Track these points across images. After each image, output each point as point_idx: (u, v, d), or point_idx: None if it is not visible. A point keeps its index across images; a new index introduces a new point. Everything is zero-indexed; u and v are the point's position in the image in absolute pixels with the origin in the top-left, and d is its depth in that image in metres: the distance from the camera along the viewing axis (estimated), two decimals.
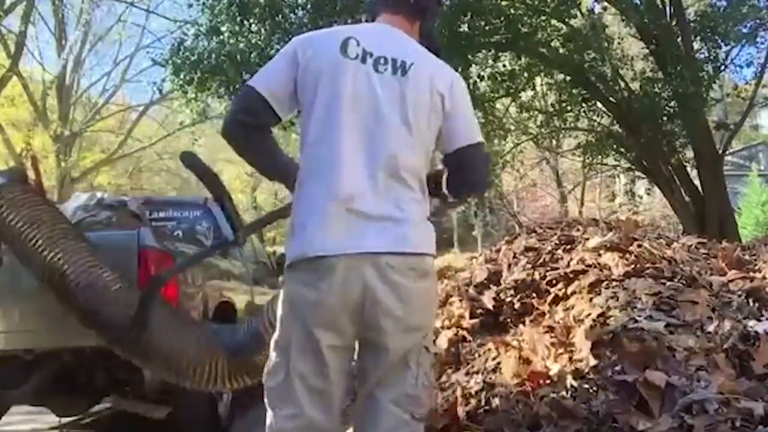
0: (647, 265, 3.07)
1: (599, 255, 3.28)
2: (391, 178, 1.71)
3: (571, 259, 3.39)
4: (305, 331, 1.70)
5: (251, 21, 8.58)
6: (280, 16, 8.57)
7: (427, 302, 1.77)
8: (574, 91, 10.54)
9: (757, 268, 3.15)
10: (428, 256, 1.76)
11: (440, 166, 1.99)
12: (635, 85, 9.89)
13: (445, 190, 1.93)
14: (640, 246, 3.29)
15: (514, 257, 3.69)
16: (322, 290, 1.66)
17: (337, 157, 1.69)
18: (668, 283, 2.88)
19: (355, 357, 1.81)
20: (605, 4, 10.02)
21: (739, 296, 2.72)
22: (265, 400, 1.77)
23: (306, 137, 1.76)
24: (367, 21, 1.96)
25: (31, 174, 3.39)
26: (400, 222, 1.70)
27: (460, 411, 2.54)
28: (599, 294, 2.94)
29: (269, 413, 1.75)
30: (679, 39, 9.11)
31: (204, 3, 9.05)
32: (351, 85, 1.71)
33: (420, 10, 1.90)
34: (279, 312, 1.79)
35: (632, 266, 3.09)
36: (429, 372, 1.78)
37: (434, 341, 3.24)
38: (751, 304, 2.66)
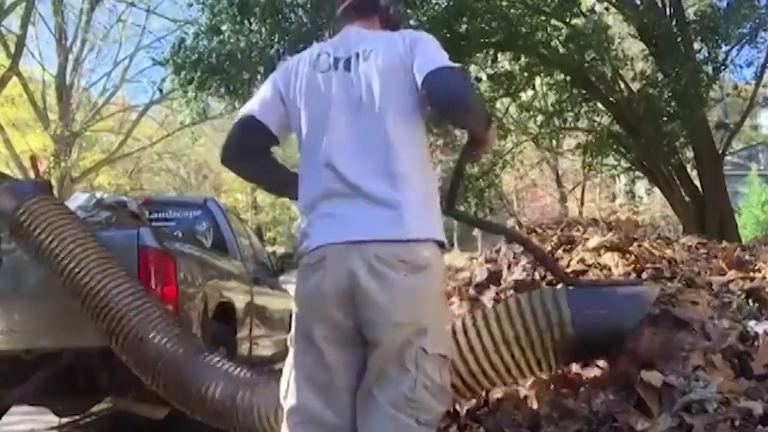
0: (647, 265, 3.07)
1: (599, 255, 3.28)
2: (387, 166, 1.72)
3: (572, 259, 3.39)
4: (303, 323, 1.75)
5: (251, 20, 8.58)
6: (281, 15, 8.57)
7: (421, 298, 1.69)
8: (574, 91, 10.52)
9: (756, 268, 3.15)
10: (424, 243, 1.71)
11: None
12: (635, 85, 9.88)
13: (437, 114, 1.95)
14: (640, 246, 3.29)
15: (514, 257, 3.69)
16: (314, 281, 1.70)
17: (330, 157, 1.75)
18: (668, 284, 2.88)
19: None
20: (606, 4, 10.02)
21: (739, 296, 2.72)
22: (280, 394, 1.81)
23: (301, 150, 1.84)
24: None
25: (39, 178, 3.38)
26: (395, 206, 1.69)
27: (460, 411, 2.54)
28: None
29: (283, 406, 1.77)
30: (679, 39, 9.11)
31: (204, 2, 9.04)
32: (329, 94, 1.80)
33: (367, 7, 1.98)
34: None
35: (632, 266, 3.09)
36: (435, 374, 1.70)
37: None
38: (751, 304, 2.66)
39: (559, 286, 2.45)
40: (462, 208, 12.30)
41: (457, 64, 1.85)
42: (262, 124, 1.87)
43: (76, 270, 2.90)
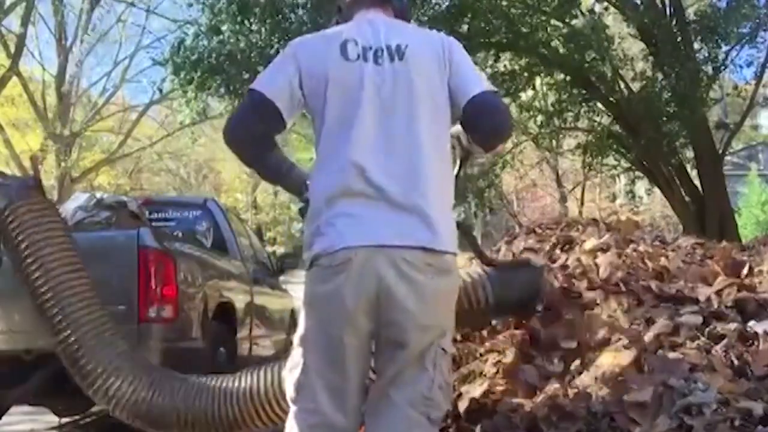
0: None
1: (595, 257, 3.28)
2: (415, 171, 1.70)
3: (568, 259, 3.38)
4: (321, 326, 1.71)
5: (251, 20, 8.59)
6: (281, 15, 8.57)
7: (444, 301, 1.74)
8: (574, 91, 10.53)
9: (754, 270, 3.12)
10: (449, 255, 1.73)
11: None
12: (635, 85, 9.89)
13: (467, 144, 1.98)
14: (635, 250, 3.29)
15: (514, 257, 3.68)
16: (336, 284, 1.66)
17: (355, 155, 1.70)
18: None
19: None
20: (606, 4, 10.02)
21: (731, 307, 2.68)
22: (286, 394, 1.79)
23: (321, 141, 1.77)
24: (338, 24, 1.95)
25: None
26: (423, 215, 1.68)
27: (460, 411, 2.54)
28: None
29: (291, 407, 1.75)
30: (679, 39, 9.12)
31: (204, 2, 9.06)
32: (358, 87, 1.73)
33: None
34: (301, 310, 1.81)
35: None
36: (447, 374, 1.76)
37: None
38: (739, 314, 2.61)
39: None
40: (462, 208, 12.32)
41: (493, 87, 1.86)
42: (275, 107, 1.74)
43: (41, 283, 2.75)
